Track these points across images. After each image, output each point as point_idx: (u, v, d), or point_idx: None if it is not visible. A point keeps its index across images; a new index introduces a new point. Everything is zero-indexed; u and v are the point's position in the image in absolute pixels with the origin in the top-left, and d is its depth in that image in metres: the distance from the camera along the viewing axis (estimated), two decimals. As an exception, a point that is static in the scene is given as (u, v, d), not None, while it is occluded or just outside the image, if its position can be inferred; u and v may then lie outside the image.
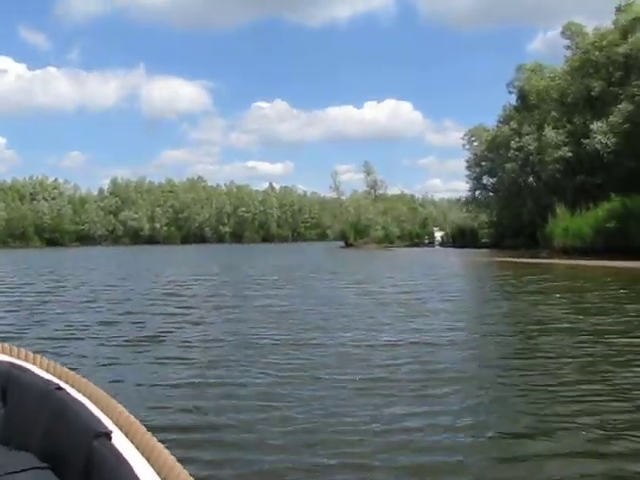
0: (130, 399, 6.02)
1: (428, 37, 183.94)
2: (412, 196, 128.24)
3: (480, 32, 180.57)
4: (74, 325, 11.72)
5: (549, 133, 48.72)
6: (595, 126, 44.71)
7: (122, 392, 6.13)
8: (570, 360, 8.21)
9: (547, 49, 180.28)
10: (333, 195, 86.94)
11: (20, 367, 2.42)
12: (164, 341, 10.12)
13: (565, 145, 48.20)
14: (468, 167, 62.95)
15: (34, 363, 2.48)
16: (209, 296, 17.45)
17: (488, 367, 8.15)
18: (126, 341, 10.06)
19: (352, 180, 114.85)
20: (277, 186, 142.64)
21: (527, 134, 50.72)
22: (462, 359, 8.55)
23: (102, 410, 2.05)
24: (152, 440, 1.81)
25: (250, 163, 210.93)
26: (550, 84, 51.31)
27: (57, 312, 13.85)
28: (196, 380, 7.31)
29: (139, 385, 7.17)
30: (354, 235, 75.14)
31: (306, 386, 7.05)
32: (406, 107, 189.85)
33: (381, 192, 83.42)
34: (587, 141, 45.31)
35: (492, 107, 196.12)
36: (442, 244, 71.39)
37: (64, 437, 2.00)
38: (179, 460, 1.68)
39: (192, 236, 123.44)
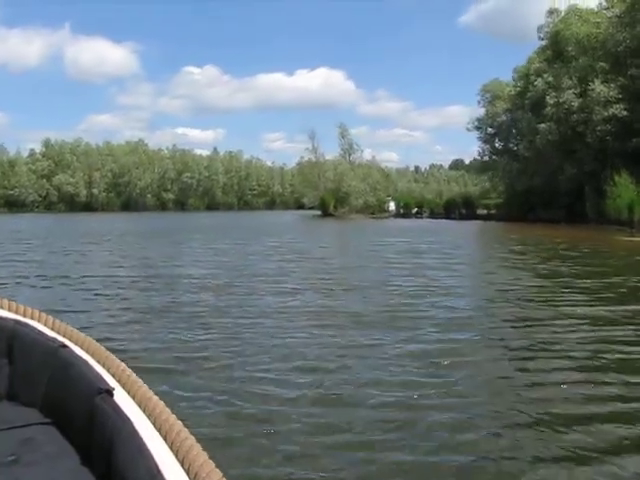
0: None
1: (363, 6, 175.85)
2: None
3: (414, 3, 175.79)
4: None
5: (599, 87, 39.78)
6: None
7: None
8: None
9: (479, 21, 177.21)
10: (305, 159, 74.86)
11: (25, 324, 2.38)
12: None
13: (617, 102, 39.45)
14: (478, 127, 53.22)
15: (39, 320, 2.44)
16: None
17: None
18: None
19: (283, 148, 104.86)
20: (222, 151, 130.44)
21: (569, 88, 41.58)
22: None
23: (104, 368, 2.02)
24: (153, 397, 1.78)
25: (180, 130, 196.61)
26: (594, 31, 42.11)
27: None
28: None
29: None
30: (334, 204, 64.58)
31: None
32: (338, 76, 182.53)
33: (355, 157, 72.94)
34: (649, 97, 36.89)
35: (428, 77, 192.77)
36: (432, 215, 61.79)
37: (68, 394, 1.99)
38: (179, 418, 1.62)
39: (133, 203, 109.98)
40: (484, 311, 9.58)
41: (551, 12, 47.75)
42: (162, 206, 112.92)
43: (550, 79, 42.99)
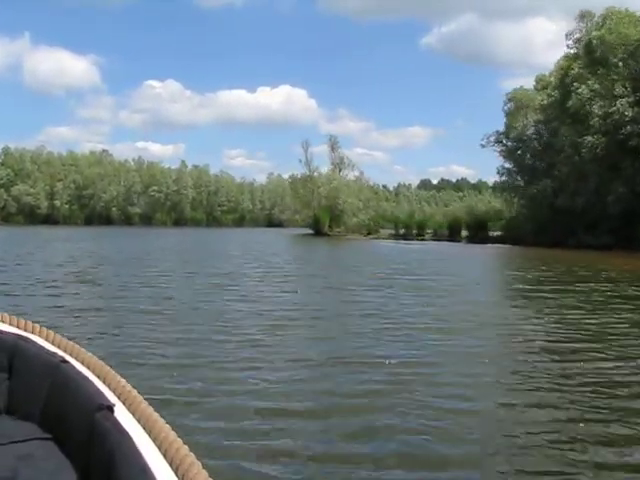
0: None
1: (326, 26, 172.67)
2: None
3: (377, 24, 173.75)
4: None
5: (657, 96, 34.00)
6: None
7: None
8: None
9: (441, 43, 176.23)
10: (298, 173, 67.06)
11: (26, 339, 2.31)
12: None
13: (678, 113, 33.74)
14: (497, 141, 46.78)
15: (40, 335, 2.37)
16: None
17: None
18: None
19: (243, 164, 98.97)
20: (190, 165, 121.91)
21: (622, 96, 35.60)
22: None
23: (105, 383, 1.96)
24: (154, 414, 1.72)
25: (140, 144, 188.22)
26: (644, 34, 36.31)
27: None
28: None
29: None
30: (329, 222, 57.24)
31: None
32: (301, 94, 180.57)
33: (345, 172, 65.80)
34: None
35: (389, 97, 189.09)
36: (435, 238, 55.06)
37: (67, 409, 1.94)
38: (179, 436, 1.57)
39: (96, 217, 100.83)
40: None
41: (582, 16, 41.95)
42: (127, 220, 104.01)
43: (596, 86, 36.92)
